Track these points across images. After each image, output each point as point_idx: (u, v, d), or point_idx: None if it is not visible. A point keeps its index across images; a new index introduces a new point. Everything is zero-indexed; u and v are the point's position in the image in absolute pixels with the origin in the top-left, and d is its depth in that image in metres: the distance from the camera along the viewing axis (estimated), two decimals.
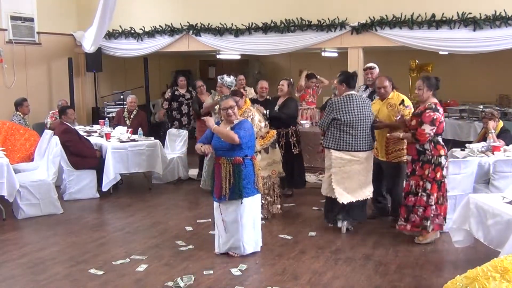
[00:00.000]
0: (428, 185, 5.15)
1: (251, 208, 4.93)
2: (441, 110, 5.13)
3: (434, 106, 5.08)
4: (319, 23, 8.46)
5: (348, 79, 5.59)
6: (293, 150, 6.96)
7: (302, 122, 8.94)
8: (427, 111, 5.06)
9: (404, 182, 5.52)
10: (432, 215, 5.18)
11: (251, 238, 4.98)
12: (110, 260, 4.90)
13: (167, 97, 9.01)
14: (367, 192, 5.64)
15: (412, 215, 5.26)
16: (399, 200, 5.87)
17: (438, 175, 5.14)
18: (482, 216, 4.37)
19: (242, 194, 4.81)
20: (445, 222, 5.28)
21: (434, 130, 5.04)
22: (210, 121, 4.90)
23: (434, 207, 5.17)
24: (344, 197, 5.47)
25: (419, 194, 5.20)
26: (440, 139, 5.18)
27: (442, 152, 5.15)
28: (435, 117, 5.02)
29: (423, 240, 5.31)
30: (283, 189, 6.94)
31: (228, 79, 7.12)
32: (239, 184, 4.81)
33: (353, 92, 5.60)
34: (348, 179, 5.49)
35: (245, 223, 4.89)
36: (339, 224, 5.68)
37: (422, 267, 4.71)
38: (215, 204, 5.02)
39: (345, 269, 4.69)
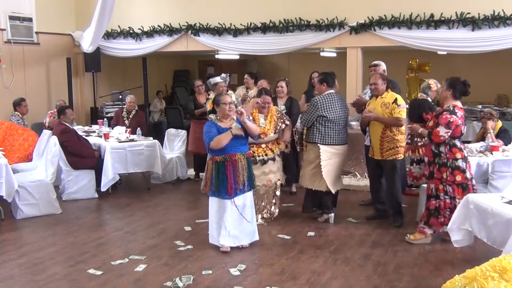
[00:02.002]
0: (449, 188, 5.04)
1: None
2: (459, 113, 4.99)
3: (452, 109, 4.98)
4: (317, 23, 8.47)
5: (328, 79, 5.96)
6: (296, 148, 7.09)
7: None
8: (444, 112, 4.98)
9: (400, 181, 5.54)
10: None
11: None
12: (109, 260, 4.90)
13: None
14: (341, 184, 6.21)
15: (440, 219, 5.12)
16: (396, 199, 5.89)
17: (459, 178, 5.01)
18: (483, 216, 4.36)
19: (254, 183, 5.26)
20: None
21: (449, 133, 4.93)
22: (244, 115, 4.90)
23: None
24: (333, 188, 5.89)
25: (442, 197, 5.09)
26: (457, 142, 5.03)
27: (458, 155, 5.00)
28: (451, 120, 4.92)
29: (414, 240, 5.28)
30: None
31: (224, 75, 7.30)
32: (252, 175, 5.19)
33: (332, 90, 5.95)
34: (335, 171, 5.91)
35: (253, 210, 5.27)
36: (330, 217, 6.04)
37: (421, 267, 4.71)
38: (227, 201, 5.01)
39: (343, 269, 4.68)
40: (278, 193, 6.10)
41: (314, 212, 6.22)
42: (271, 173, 5.91)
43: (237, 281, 4.40)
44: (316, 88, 6.10)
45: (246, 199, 5.14)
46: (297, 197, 7.18)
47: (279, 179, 6.02)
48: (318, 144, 5.79)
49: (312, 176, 5.88)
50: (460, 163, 5.02)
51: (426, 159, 5.23)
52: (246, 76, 8.20)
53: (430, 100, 6.40)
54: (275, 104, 7.13)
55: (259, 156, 5.81)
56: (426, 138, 5.23)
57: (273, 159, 5.91)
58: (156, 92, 13.04)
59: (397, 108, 5.70)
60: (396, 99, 5.76)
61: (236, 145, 4.99)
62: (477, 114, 9.47)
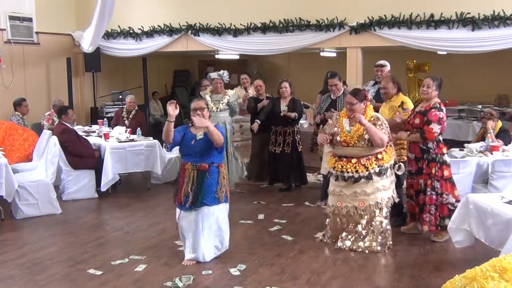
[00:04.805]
0: (437, 184, 5.16)
1: (211, 217, 4.70)
2: (444, 110, 5.18)
3: (438, 106, 5.14)
4: (317, 23, 8.45)
5: None
6: (298, 147, 7.29)
7: (301, 122, 8.97)
8: (433, 110, 5.09)
9: (405, 180, 5.52)
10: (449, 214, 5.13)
11: (210, 245, 4.78)
12: (109, 260, 4.90)
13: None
14: None
15: (425, 215, 5.23)
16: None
17: (446, 173, 5.18)
18: (482, 216, 4.36)
19: (202, 202, 4.64)
20: None
21: (440, 129, 5.09)
22: (205, 121, 4.59)
23: (455, 205, 5.07)
24: None
25: (429, 193, 5.19)
26: (441, 138, 5.23)
27: (444, 150, 5.22)
28: (441, 116, 5.09)
29: (441, 239, 5.31)
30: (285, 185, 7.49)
31: (222, 72, 7.37)
32: (200, 192, 4.62)
33: None
34: None
35: (203, 230, 4.69)
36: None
37: (421, 267, 4.71)
38: (177, 210, 4.82)
39: (344, 269, 4.68)
40: (379, 219, 5.08)
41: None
42: (364, 195, 5.00)
43: (237, 281, 4.40)
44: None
45: (192, 215, 4.68)
46: (297, 197, 7.19)
47: (378, 202, 5.02)
48: None
49: None
50: (446, 158, 5.22)
51: (411, 155, 5.31)
52: (245, 76, 8.22)
53: None
54: (278, 104, 7.17)
55: (347, 172, 4.98)
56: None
57: (368, 178, 4.96)
58: (151, 93, 12.85)
59: (403, 113, 5.56)
60: (402, 102, 5.66)
61: (189, 154, 4.68)
62: (477, 114, 9.47)
